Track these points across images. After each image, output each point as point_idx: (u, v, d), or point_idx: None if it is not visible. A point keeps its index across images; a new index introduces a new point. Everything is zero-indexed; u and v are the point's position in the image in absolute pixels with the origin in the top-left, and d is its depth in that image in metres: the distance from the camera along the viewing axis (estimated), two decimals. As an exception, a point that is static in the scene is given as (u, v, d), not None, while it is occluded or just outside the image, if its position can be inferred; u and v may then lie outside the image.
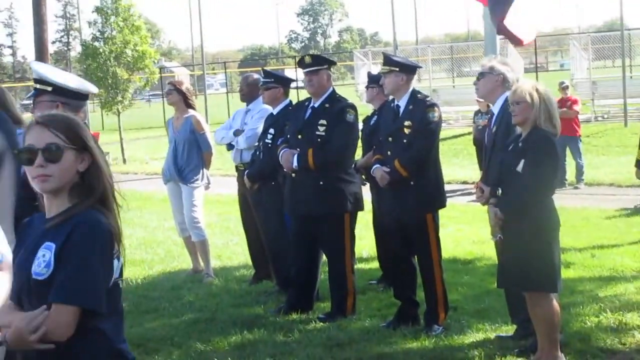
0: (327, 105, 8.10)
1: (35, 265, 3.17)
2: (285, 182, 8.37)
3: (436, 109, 7.58)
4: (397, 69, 7.63)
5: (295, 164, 8.05)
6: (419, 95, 7.67)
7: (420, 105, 7.54)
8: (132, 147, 29.12)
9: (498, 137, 6.82)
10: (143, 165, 25.66)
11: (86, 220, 3.18)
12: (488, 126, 7.30)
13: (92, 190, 3.24)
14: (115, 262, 3.24)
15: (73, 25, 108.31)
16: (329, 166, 7.98)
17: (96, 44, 26.47)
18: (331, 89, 8.22)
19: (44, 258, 3.16)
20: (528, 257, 6.10)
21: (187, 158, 9.99)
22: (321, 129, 8.03)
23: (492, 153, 6.86)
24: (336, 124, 8.00)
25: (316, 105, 8.16)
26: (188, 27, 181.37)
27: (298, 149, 8.06)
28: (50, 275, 3.14)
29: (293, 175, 8.16)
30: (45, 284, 3.14)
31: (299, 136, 8.14)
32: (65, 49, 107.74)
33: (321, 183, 7.98)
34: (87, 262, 3.15)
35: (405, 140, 7.51)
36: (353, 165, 8.36)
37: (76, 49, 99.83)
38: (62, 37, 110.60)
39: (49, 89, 4.68)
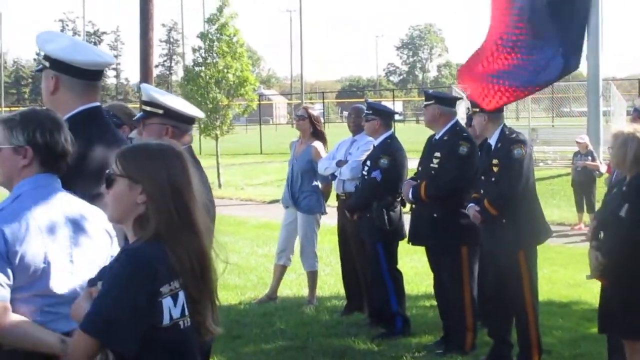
0: (445, 137, 8.15)
1: None
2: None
3: (522, 145, 7.44)
4: (477, 110, 7.76)
5: (410, 195, 8.16)
6: (507, 133, 7.60)
7: (507, 143, 7.48)
8: (228, 173, 29.43)
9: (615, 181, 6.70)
10: (238, 191, 25.87)
11: (125, 252, 3.11)
12: (610, 169, 7.19)
13: (148, 223, 3.13)
14: (169, 300, 3.07)
15: (176, 50, 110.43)
16: (441, 199, 7.99)
17: (198, 68, 26.88)
18: (453, 121, 8.25)
19: None
20: (629, 303, 5.96)
21: (301, 186, 10.12)
22: (435, 161, 8.11)
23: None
24: (449, 157, 8.02)
25: (437, 137, 8.24)
26: (287, 56, 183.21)
27: (418, 181, 8.22)
28: None
29: (413, 205, 8.30)
30: None
31: (419, 168, 8.30)
32: (168, 72, 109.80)
33: (435, 215, 8.01)
34: (110, 294, 3.03)
35: (493, 179, 7.47)
36: None
37: (178, 74, 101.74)
38: (164, 61, 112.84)
39: (160, 112, 4.73)
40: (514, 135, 7.58)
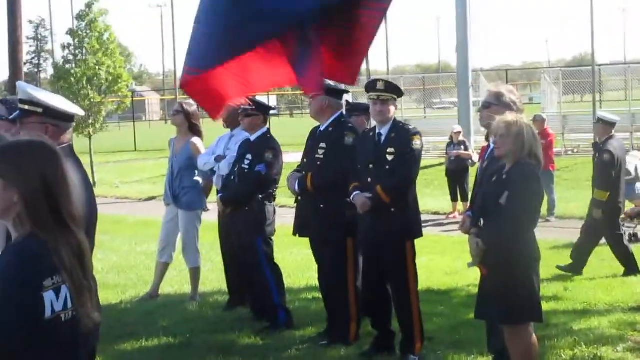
0: (330, 129, 8.18)
1: None
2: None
3: (419, 136, 7.64)
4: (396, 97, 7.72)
5: (296, 187, 8.17)
6: (401, 124, 7.75)
7: (404, 133, 7.59)
8: (102, 171, 29.00)
9: (489, 169, 6.79)
10: (113, 189, 25.53)
11: (6, 250, 3.13)
12: (481, 157, 7.31)
13: (24, 220, 3.12)
14: (51, 294, 3.06)
15: (44, 47, 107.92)
16: (327, 189, 8.00)
17: (68, 66, 26.38)
18: (339, 113, 8.29)
19: None
20: (508, 289, 6.10)
21: (181, 182, 10.04)
22: (321, 152, 8.12)
23: (480, 184, 6.84)
24: (334, 148, 8.06)
25: (321, 128, 8.26)
26: (160, 51, 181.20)
27: (303, 173, 8.20)
28: None
29: (299, 198, 8.29)
30: None
31: (304, 160, 8.31)
32: (36, 70, 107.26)
33: (321, 206, 8.04)
34: None
35: (387, 167, 7.54)
36: None
37: (47, 71, 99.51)
38: (32, 58, 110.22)
39: (39, 110, 4.61)
40: (411, 127, 7.75)
